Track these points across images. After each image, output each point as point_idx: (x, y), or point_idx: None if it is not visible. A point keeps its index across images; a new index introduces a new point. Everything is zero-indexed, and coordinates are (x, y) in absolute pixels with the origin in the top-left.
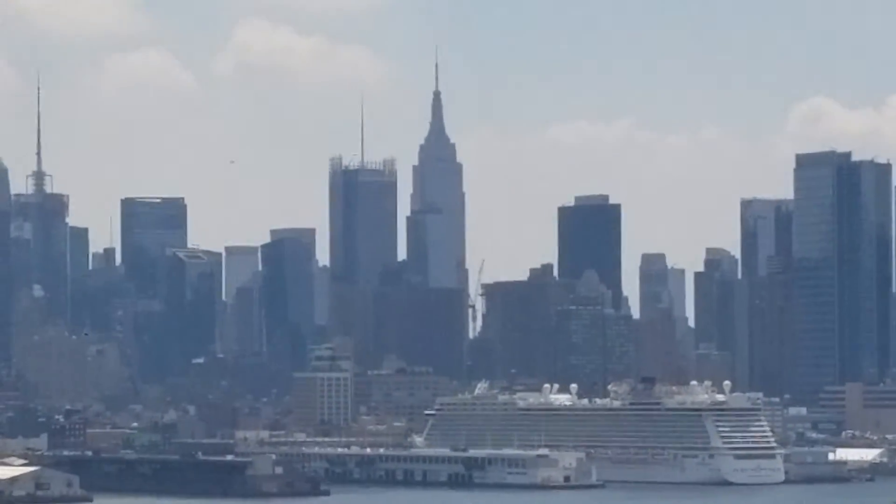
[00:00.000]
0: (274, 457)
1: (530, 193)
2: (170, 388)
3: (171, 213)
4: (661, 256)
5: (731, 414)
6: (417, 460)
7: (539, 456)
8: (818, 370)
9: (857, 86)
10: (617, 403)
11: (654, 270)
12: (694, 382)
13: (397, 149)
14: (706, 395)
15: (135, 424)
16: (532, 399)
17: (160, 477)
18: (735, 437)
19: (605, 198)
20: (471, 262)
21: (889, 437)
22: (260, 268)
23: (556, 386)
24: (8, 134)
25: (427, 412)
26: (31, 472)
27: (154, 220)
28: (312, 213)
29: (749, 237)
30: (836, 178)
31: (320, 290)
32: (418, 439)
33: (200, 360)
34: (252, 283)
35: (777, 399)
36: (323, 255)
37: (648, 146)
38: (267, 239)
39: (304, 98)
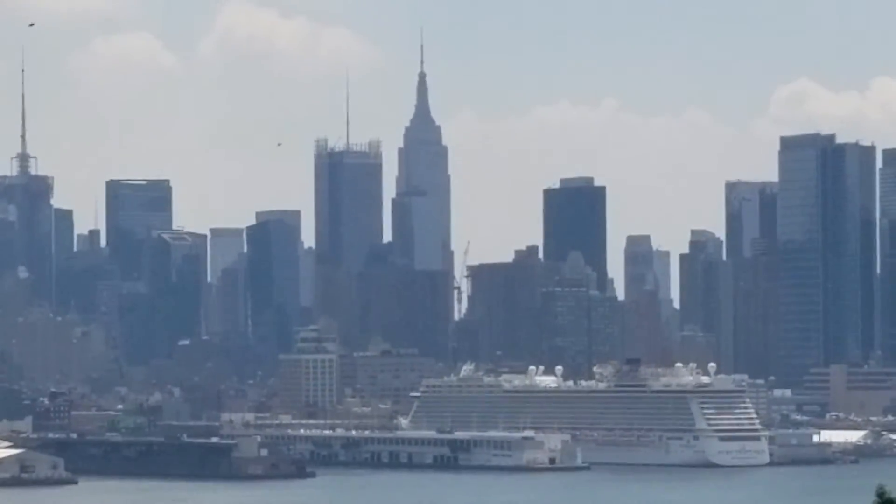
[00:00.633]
0: (259, 439)
1: (515, 175)
2: (155, 371)
3: (156, 195)
4: (647, 238)
5: (716, 396)
6: (403, 442)
7: (524, 438)
8: (803, 352)
9: (841, 69)
10: (602, 385)
11: (639, 252)
12: (679, 364)
13: (382, 131)
14: (691, 377)
15: (120, 407)
16: (517, 381)
17: (145, 459)
18: (720, 419)
19: (590, 180)
20: (456, 244)
21: (873, 418)
22: (245, 249)
23: (542, 368)
24: None
25: (412, 394)
26: (16, 454)
27: (139, 202)
28: (298, 195)
29: (734, 219)
30: (820, 161)
31: (305, 272)
32: (404, 421)
33: (186, 342)
34: (237, 264)
35: (762, 381)
36: (308, 237)
37: (633, 128)
38: (252, 221)
39: (289, 80)
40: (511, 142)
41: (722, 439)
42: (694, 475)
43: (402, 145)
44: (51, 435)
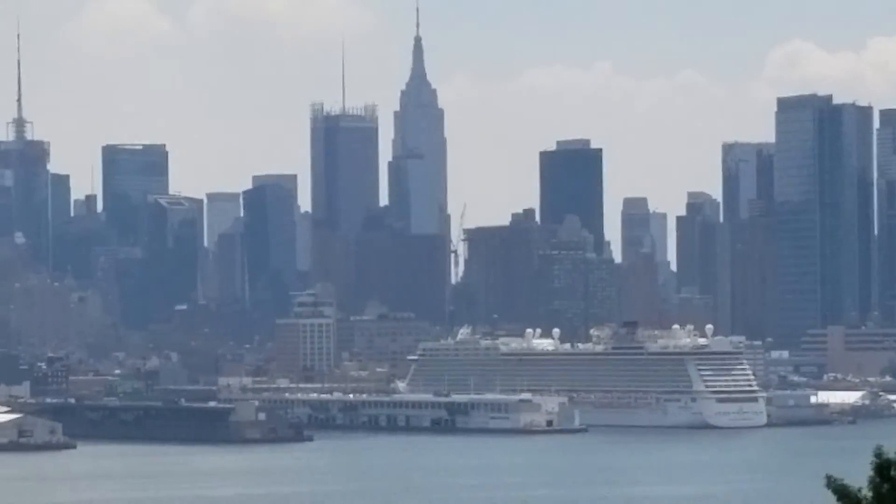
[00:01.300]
0: (257, 403)
1: (512, 138)
2: (152, 335)
3: (153, 160)
4: (643, 200)
5: (714, 357)
6: (400, 406)
7: (522, 401)
8: (800, 313)
9: (837, 29)
10: (599, 348)
11: (636, 214)
12: (676, 326)
13: (378, 95)
14: (688, 339)
15: (117, 371)
16: (514, 344)
17: (143, 424)
18: (717, 381)
19: (587, 142)
20: (453, 208)
21: (871, 379)
22: (241, 214)
23: (539, 331)
24: None
25: (410, 357)
26: (14, 419)
27: (135, 167)
28: (294, 160)
29: (731, 181)
30: (817, 122)
31: (302, 236)
32: (401, 385)
33: (183, 307)
34: (234, 229)
35: (759, 342)
36: (305, 201)
37: (628, 91)
38: (249, 185)
39: (285, 44)
40: (507, 104)
41: (719, 401)
42: (691, 437)
43: (398, 108)
44: (49, 400)
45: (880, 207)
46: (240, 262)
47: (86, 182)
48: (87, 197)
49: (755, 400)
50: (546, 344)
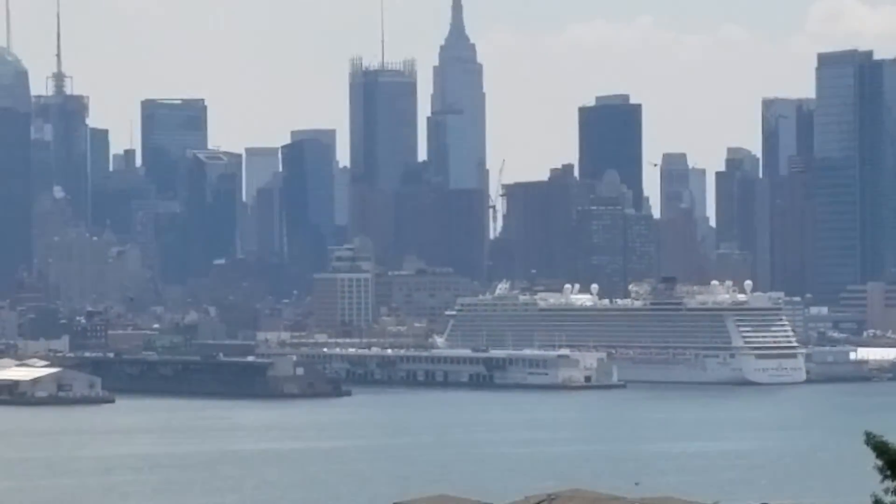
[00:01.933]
0: (295, 358)
1: (551, 94)
2: (191, 290)
3: (192, 115)
4: (682, 156)
5: (753, 313)
6: (438, 361)
7: (560, 356)
8: (840, 269)
9: None
10: (638, 303)
11: (675, 170)
12: (715, 282)
13: (417, 50)
14: (727, 295)
15: (156, 326)
16: (553, 299)
17: (181, 378)
18: (756, 337)
19: (626, 98)
20: (491, 163)
21: None
22: (280, 169)
23: (577, 286)
24: (28, 35)
25: (448, 313)
26: (53, 373)
27: (174, 122)
28: (333, 115)
29: (770, 137)
30: (857, 77)
31: (340, 191)
32: (439, 340)
33: (221, 262)
34: (272, 184)
35: (798, 298)
36: (343, 156)
37: (668, 46)
38: (287, 140)
39: None
40: (546, 59)
41: (758, 357)
42: (730, 393)
43: (436, 63)
44: (87, 354)
45: None
46: (278, 217)
47: (125, 136)
48: (126, 151)
49: (794, 356)
50: (584, 299)
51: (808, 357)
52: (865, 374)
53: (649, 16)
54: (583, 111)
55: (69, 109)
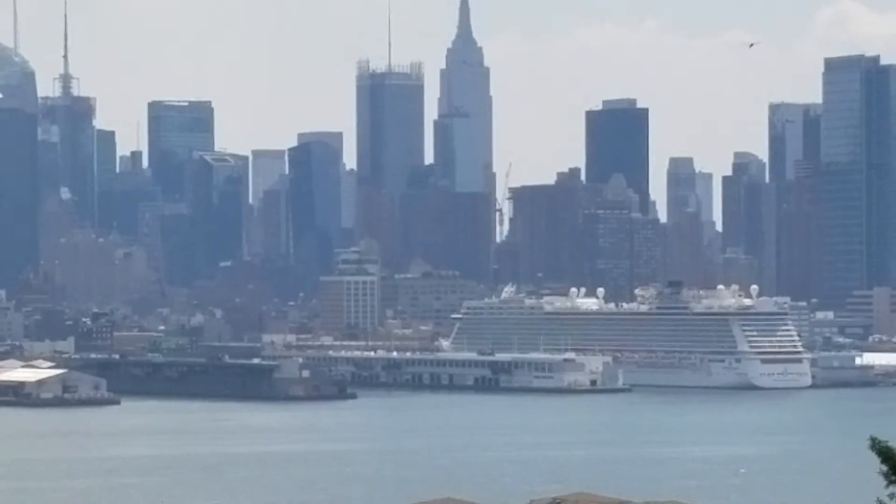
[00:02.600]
0: (300, 360)
1: (557, 97)
2: (196, 292)
3: (198, 117)
4: (689, 160)
5: (758, 318)
6: (444, 364)
7: (566, 360)
8: (845, 274)
9: None
10: (644, 307)
11: (682, 174)
12: (721, 286)
13: (424, 52)
14: (733, 300)
15: (162, 327)
16: (559, 303)
17: (187, 380)
18: (762, 342)
19: (633, 101)
20: (498, 166)
21: None
22: (287, 171)
23: (583, 290)
24: (35, 37)
25: (454, 316)
26: (59, 374)
27: (181, 124)
28: (339, 117)
29: (777, 141)
30: (864, 82)
31: (347, 193)
32: (445, 343)
33: (227, 264)
34: (279, 186)
35: (804, 303)
36: (350, 159)
37: (675, 50)
38: (294, 142)
39: (331, 1)
40: (553, 63)
41: (764, 361)
42: (736, 397)
43: (444, 66)
44: (93, 355)
45: None
46: (284, 219)
47: (131, 138)
48: (133, 153)
49: (800, 361)
50: (590, 303)
51: (813, 362)
52: (871, 379)
53: (656, 20)
54: (589, 115)
55: (76, 111)
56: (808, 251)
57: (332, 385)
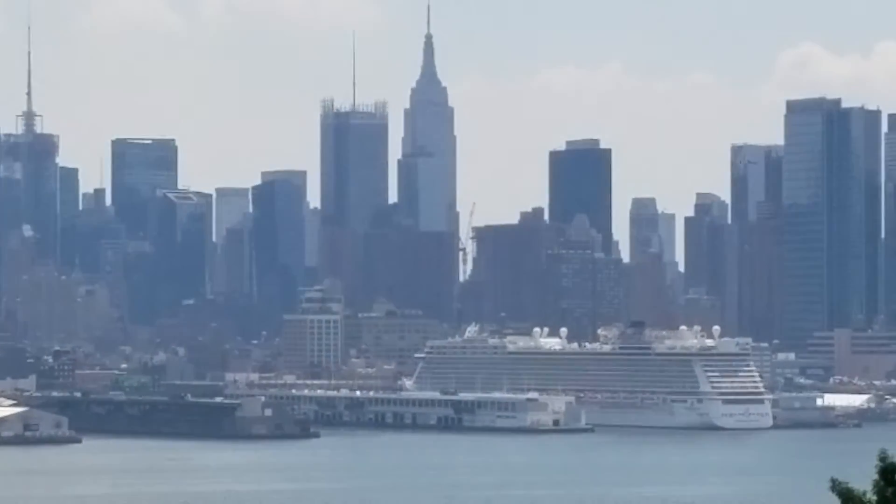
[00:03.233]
0: (263, 399)
1: (521, 137)
2: (159, 330)
3: (162, 155)
4: (652, 201)
5: (720, 359)
6: (407, 403)
7: (529, 400)
8: (807, 316)
9: (845, 32)
10: (606, 347)
11: (645, 215)
12: (683, 327)
13: (389, 92)
14: (695, 340)
15: (124, 366)
16: (522, 343)
17: (149, 418)
18: (724, 382)
19: (596, 142)
20: (462, 206)
21: (877, 382)
22: (251, 209)
23: (546, 329)
24: None
25: (417, 355)
26: (20, 412)
27: (145, 161)
28: (303, 156)
29: (739, 182)
30: (826, 125)
31: (311, 232)
32: (408, 382)
33: (190, 302)
34: (242, 224)
35: (766, 344)
36: (314, 198)
37: (638, 91)
38: (258, 181)
39: (296, 40)
40: (517, 104)
41: (725, 402)
42: (697, 438)
43: (408, 106)
44: (55, 393)
45: (888, 211)
46: (248, 258)
47: (95, 176)
48: (96, 190)
49: (761, 402)
50: (553, 343)
51: (774, 403)
52: (832, 421)
53: (619, 62)
54: (553, 155)
55: (39, 148)
56: (770, 292)
57: (295, 424)
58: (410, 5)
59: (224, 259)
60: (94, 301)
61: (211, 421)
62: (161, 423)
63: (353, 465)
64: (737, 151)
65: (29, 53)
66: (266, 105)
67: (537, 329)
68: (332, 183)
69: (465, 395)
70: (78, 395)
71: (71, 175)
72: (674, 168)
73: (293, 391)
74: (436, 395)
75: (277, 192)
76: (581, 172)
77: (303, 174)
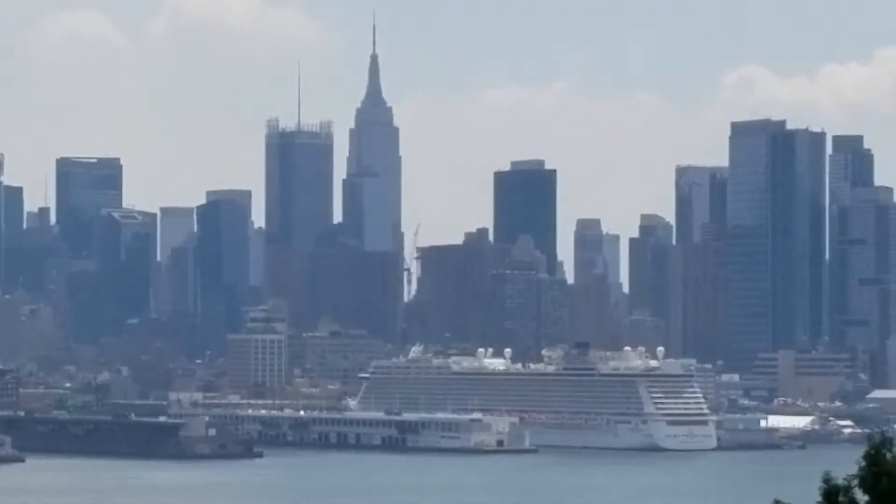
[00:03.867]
0: (207, 419)
1: (466, 158)
2: (103, 349)
3: (107, 174)
4: (596, 222)
5: (664, 380)
6: (351, 423)
7: (472, 420)
8: (751, 337)
9: (790, 55)
10: (551, 368)
11: (589, 236)
12: (627, 348)
13: (334, 112)
14: (639, 361)
15: (68, 385)
16: (466, 363)
17: (93, 438)
18: (668, 404)
19: (541, 163)
20: (406, 226)
21: (820, 404)
22: (195, 229)
23: (491, 350)
24: None
25: (361, 375)
26: None
27: (89, 180)
28: (248, 175)
29: (684, 204)
30: (770, 147)
31: (256, 251)
32: (352, 402)
33: (134, 321)
34: (187, 244)
35: (710, 365)
36: (258, 217)
37: (583, 112)
38: (202, 200)
39: (241, 60)
40: (462, 124)
41: (670, 423)
42: (641, 459)
43: (353, 126)
44: None
45: (832, 233)
46: (192, 277)
47: (39, 194)
48: (41, 209)
49: (705, 423)
50: (497, 363)
51: (718, 424)
52: (776, 442)
53: (564, 82)
54: (498, 176)
55: None
56: (715, 313)
57: (239, 443)
58: (356, 25)
59: (168, 278)
60: (37, 320)
61: (154, 440)
62: (105, 443)
63: (297, 485)
64: (681, 173)
65: None
66: (211, 124)
67: (481, 350)
68: (277, 202)
69: (409, 416)
70: (21, 414)
71: (15, 194)
72: (618, 189)
73: (237, 411)
74: (380, 415)
75: (222, 211)
76: (526, 193)
77: (248, 194)
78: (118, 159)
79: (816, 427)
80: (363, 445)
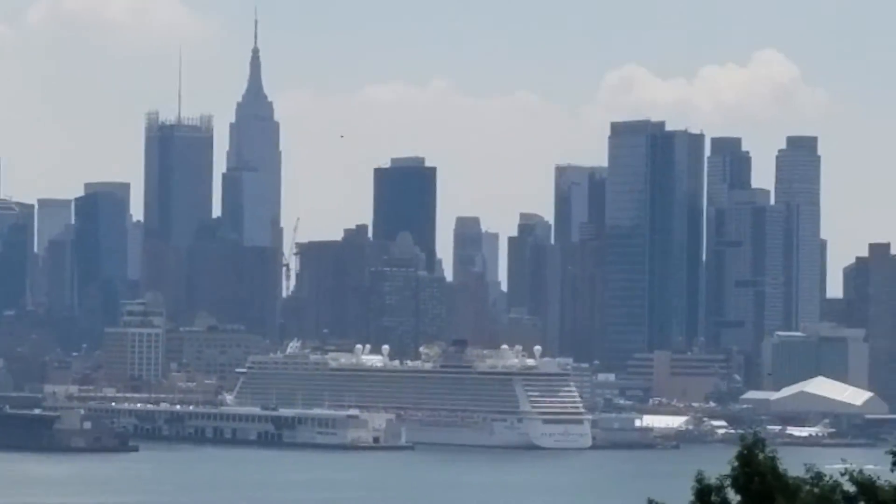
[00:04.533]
0: (82, 412)
1: (346, 154)
2: None
3: None
4: (476, 220)
5: (541, 379)
6: (227, 418)
7: (349, 416)
8: (627, 337)
9: (669, 56)
10: (428, 366)
11: (468, 234)
12: (505, 346)
13: (214, 106)
14: (516, 360)
15: None
16: (343, 359)
17: None
18: (544, 402)
19: (421, 160)
20: (286, 221)
21: (695, 404)
22: (73, 221)
23: (368, 347)
24: None
25: (238, 370)
26: None
27: None
28: (127, 168)
29: (563, 203)
30: (649, 148)
31: (133, 244)
32: (229, 397)
33: (10, 313)
34: (64, 236)
35: (586, 365)
36: (137, 210)
37: (463, 109)
38: (81, 192)
39: (121, 52)
40: (344, 120)
41: (545, 422)
42: (517, 457)
43: (233, 120)
44: None
45: (709, 234)
46: (70, 270)
47: None
48: None
49: (580, 422)
50: (375, 360)
51: (594, 423)
52: (650, 442)
53: (445, 79)
54: (378, 172)
55: None
56: (592, 313)
57: (114, 437)
58: (238, 19)
59: (45, 270)
60: None
61: (29, 433)
62: None
63: (172, 479)
64: (561, 172)
65: None
66: (90, 116)
67: (359, 346)
68: (156, 196)
69: (285, 411)
70: None
71: None
72: (498, 187)
73: (113, 404)
74: (256, 410)
75: (100, 204)
76: (405, 190)
77: (126, 186)
78: None
79: (690, 427)
80: (239, 440)
